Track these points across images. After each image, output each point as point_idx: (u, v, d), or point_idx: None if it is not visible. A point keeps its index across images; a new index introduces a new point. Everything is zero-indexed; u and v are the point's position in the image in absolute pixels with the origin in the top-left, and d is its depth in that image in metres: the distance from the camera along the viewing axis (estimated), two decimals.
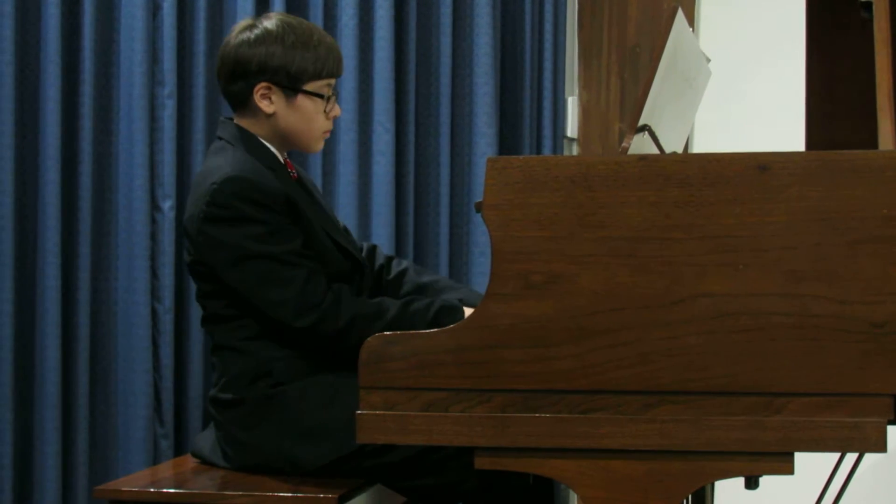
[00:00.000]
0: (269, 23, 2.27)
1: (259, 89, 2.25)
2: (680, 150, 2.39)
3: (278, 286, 2.12)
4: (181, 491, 2.06)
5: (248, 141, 2.27)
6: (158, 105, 3.02)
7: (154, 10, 3.02)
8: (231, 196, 2.13)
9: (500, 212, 1.71)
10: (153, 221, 3.02)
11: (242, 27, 2.29)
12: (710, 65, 2.39)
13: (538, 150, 3.66)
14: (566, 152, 3.79)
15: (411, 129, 3.43)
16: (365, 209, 3.30)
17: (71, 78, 2.93)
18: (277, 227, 2.15)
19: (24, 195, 2.88)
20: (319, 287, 2.13)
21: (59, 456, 2.86)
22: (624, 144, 1.83)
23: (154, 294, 3.01)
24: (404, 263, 2.56)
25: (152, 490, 2.07)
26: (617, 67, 3.76)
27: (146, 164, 2.98)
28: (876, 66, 1.82)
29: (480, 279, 3.39)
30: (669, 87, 2.05)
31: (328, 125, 2.34)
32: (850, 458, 2.35)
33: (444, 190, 3.48)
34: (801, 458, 1.67)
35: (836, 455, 2.40)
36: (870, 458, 2.66)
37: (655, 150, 2.07)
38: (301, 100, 2.27)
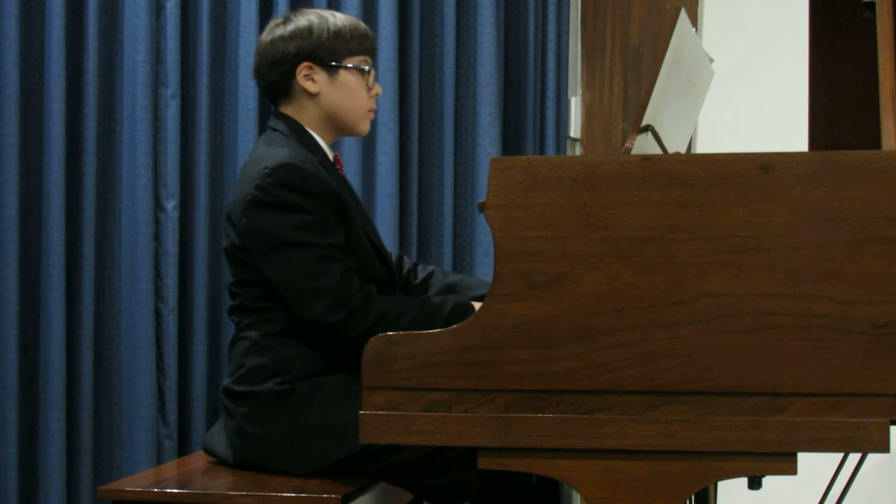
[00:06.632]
0: (301, 16, 2.35)
1: (301, 69, 2.31)
2: (683, 151, 2.39)
3: (315, 278, 2.11)
4: (185, 491, 2.06)
5: (299, 132, 2.31)
6: (162, 105, 3.03)
7: (157, 10, 3.03)
8: (281, 183, 2.14)
9: (503, 212, 1.71)
10: (157, 221, 3.02)
11: (275, 24, 2.36)
12: (713, 65, 2.39)
13: (541, 151, 3.66)
14: (569, 152, 3.79)
15: (415, 129, 3.43)
16: (369, 210, 3.30)
17: (75, 78, 2.93)
18: (322, 219, 2.15)
19: (28, 195, 2.88)
20: (354, 284, 2.13)
21: (64, 456, 2.86)
22: (627, 145, 1.82)
23: (158, 294, 3.01)
24: (430, 268, 2.58)
25: (156, 490, 2.07)
26: (620, 67, 3.76)
27: (150, 164, 2.98)
28: (879, 66, 1.82)
29: (484, 280, 3.39)
30: (672, 88, 2.05)
31: (372, 104, 2.40)
32: (854, 458, 2.35)
33: (448, 190, 3.48)
34: (804, 458, 1.67)
35: (840, 455, 2.40)
36: (873, 458, 2.66)
37: (658, 151, 2.07)
38: (343, 75, 2.33)
